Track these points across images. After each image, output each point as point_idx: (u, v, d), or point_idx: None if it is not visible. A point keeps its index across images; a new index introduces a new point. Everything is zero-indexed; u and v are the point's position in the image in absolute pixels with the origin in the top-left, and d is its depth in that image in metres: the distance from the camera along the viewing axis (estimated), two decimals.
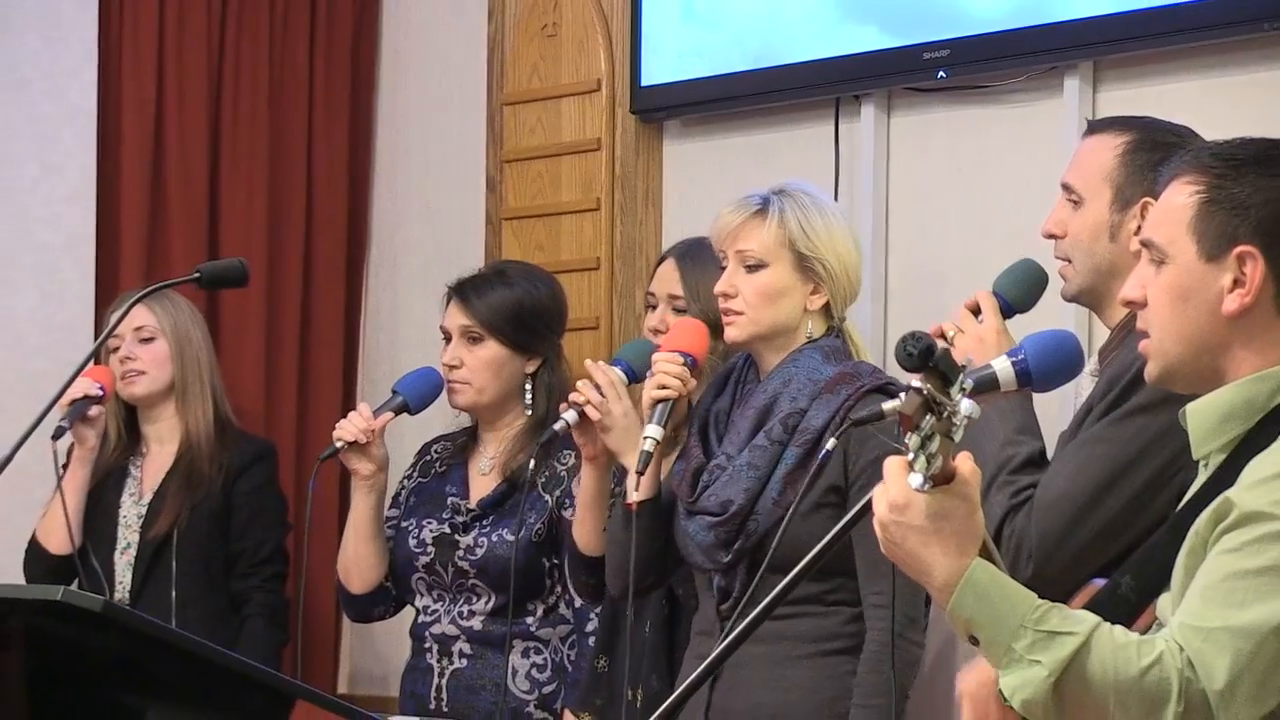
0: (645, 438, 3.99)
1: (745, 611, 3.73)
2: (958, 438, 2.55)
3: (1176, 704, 2.61)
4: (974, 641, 2.69)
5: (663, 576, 4.20)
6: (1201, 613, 2.68)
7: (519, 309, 4.68)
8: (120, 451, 5.14)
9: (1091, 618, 2.67)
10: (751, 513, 3.95)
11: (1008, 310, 3.74)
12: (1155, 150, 3.59)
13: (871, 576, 3.88)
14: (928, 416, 2.52)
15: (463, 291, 4.71)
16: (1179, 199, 2.89)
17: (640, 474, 4.00)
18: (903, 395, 2.92)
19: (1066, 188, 3.71)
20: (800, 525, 3.70)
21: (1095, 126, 3.81)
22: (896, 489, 2.63)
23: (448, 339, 4.72)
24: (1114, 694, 2.62)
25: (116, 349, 5.07)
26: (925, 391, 2.50)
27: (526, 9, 5.66)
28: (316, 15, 6.02)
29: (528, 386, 4.68)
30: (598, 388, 4.17)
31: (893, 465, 2.65)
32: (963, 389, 2.53)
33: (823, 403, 3.94)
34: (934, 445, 2.55)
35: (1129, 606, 2.87)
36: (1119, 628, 2.69)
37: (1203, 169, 2.89)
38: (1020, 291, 3.75)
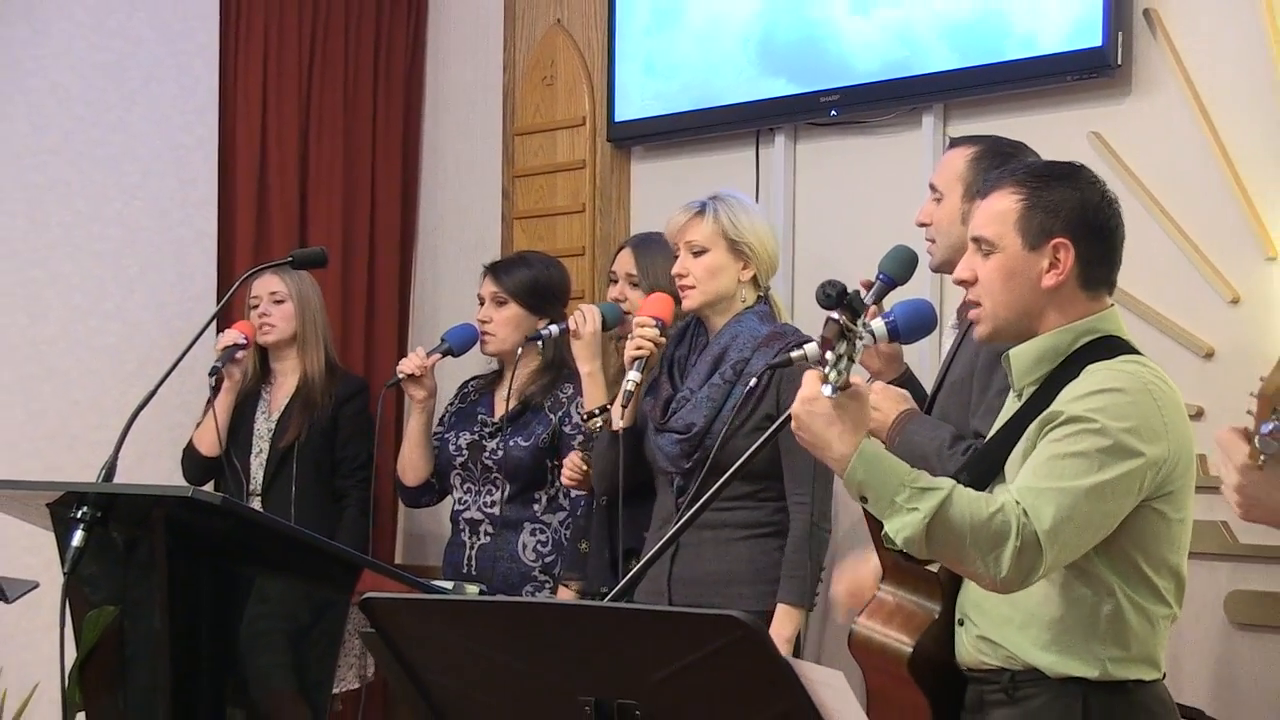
0: (627, 380, 4.00)
1: (695, 503, 3.75)
2: (857, 358, 2.57)
3: (1015, 539, 2.64)
4: (863, 500, 2.70)
5: (638, 479, 4.16)
6: (1034, 479, 2.72)
7: (534, 282, 4.70)
8: (255, 381, 5.11)
9: (950, 480, 2.70)
10: (708, 432, 3.94)
11: (890, 284, 3.67)
12: (996, 157, 3.52)
13: (795, 481, 3.88)
14: (842, 341, 2.53)
15: (495, 269, 4.77)
16: (1003, 204, 2.90)
17: (625, 406, 4.01)
18: (810, 346, 2.92)
19: (932, 187, 3.63)
20: (743, 442, 3.69)
21: (955, 142, 3.74)
22: (809, 388, 2.66)
23: (482, 302, 4.73)
24: (970, 531, 2.64)
25: (256, 307, 5.06)
26: (841, 322, 2.51)
27: (531, 64, 5.62)
28: (378, 71, 5.98)
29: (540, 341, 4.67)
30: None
31: (809, 375, 2.68)
32: (865, 324, 2.55)
33: (761, 354, 3.93)
34: (843, 364, 2.56)
35: None
36: (968, 489, 2.72)
37: (1020, 182, 2.91)
38: (899, 268, 3.70)
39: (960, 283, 2.95)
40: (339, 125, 5.88)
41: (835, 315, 2.52)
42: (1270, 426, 1.97)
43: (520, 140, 5.65)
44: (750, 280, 4.03)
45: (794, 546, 3.87)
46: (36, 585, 3.52)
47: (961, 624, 2.93)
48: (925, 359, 4.12)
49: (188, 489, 2.90)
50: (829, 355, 2.55)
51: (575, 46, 5.50)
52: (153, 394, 3.71)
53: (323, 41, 5.86)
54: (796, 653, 3.93)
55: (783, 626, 3.82)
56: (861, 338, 2.54)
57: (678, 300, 4.09)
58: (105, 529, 2.83)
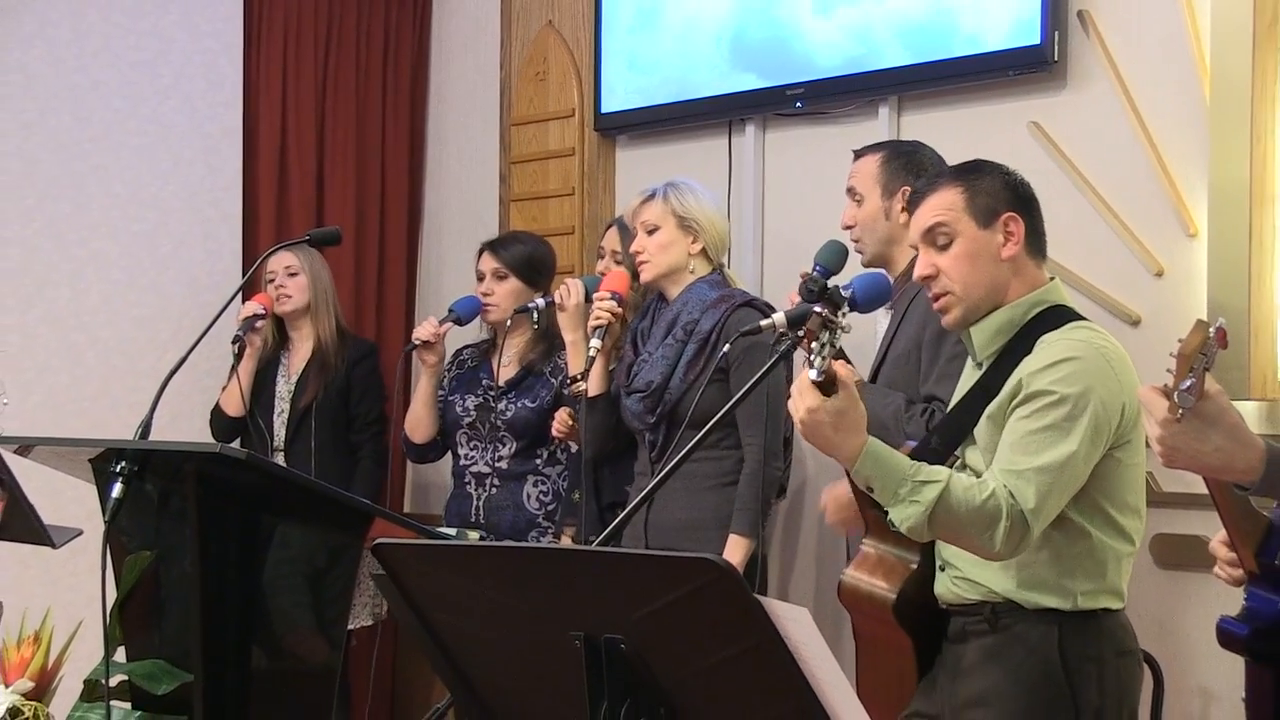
0: (590, 347, 4.05)
1: (668, 456, 3.79)
2: (838, 344, 2.55)
3: (1005, 520, 2.68)
4: (870, 490, 2.71)
5: (623, 442, 4.18)
6: (1012, 459, 2.74)
7: (531, 257, 4.68)
8: (274, 348, 5.11)
9: (946, 470, 2.71)
10: (665, 388, 3.96)
11: (826, 274, 3.68)
12: (901, 157, 3.69)
13: (746, 424, 3.90)
14: (824, 331, 2.52)
15: (494, 246, 4.73)
16: (948, 197, 2.93)
17: (587, 371, 4.07)
18: (778, 315, 2.89)
19: (851, 191, 3.72)
20: (701, 395, 3.74)
21: (859, 152, 3.83)
22: (810, 399, 2.62)
23: (481, 278, 4.69)
24: (965, 517, 2.68)
25: (273, 280, 5.04)
26: (824, 314, 2.51)
27: (525, 61, 5.59)
28: (387, 68, 5.96)
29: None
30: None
31: (801, 382, 2.63)
32: (845, 314, 2.54)
33: (709, 315, 3.96)
34: (826, 351, 2.55)
35: (938, 456, 2.90)
36: (962, 475, 2.76)
37: (953, 178, 2.96)
38: (832, 259, 3.71)
39: (924, 279, 2.94)
40: (352, 117, 5.86)
41: (818, 308, 2.51)
42: (1187, 384, 1.98)
43: (516, 130, 5.62)
44: (700, 253, 4.05)
45: (745, 482, 3.89)
46: (80, 533, 3.51)
47: (943, 569, 2.97)
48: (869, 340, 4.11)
49: (216, 446, 2.89)
50: (814, 345, 2.55)
51: (565, 45, 5.47)
52: (184, 360, 3.69)
53: (337, 41, 5.85)
54: (761, 589, 3.94)
55: (733, 554, 3.84)
56: (844, 328, 2.53)
57: (635, 276, 4.11)
58: (142, 482, 2.82)
